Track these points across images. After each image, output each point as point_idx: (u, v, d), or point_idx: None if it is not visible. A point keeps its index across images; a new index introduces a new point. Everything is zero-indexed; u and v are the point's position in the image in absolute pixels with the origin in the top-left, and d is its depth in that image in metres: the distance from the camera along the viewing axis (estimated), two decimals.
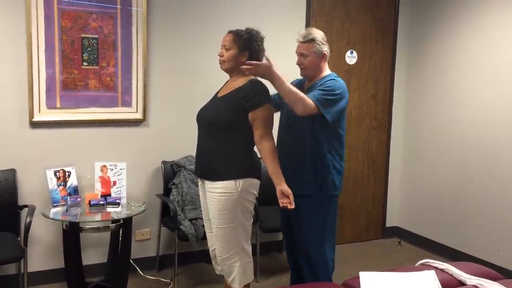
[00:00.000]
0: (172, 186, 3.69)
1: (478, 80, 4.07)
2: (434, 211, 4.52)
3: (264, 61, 2.64)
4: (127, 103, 3.67)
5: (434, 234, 4.52)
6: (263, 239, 3.94)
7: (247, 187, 2.66)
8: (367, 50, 4.59)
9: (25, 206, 3.32)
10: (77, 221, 3.14)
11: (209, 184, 2.71)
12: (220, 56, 2.72)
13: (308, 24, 4.26)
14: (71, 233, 3.18)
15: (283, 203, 2.59)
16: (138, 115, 3.71)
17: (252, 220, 2.79)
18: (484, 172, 4.04)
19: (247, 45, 2.65)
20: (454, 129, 4.29)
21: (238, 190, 2.63)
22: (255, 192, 2.74)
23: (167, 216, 3.66)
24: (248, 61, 2.63)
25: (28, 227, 3.05)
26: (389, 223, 4.93)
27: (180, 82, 3.82)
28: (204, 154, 2.76)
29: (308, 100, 2.68)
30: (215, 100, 2.82)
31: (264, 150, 2.63)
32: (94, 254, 3.65)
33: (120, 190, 3.53)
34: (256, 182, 2.73)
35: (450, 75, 4.33)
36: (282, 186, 2.60)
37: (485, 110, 4.02)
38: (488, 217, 4.02)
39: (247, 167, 2.69)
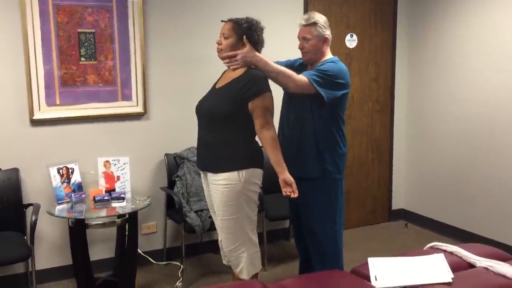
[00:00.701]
0: (176, 179, 3.68)
1: (481, 59, 4.02)
2: (440, 192, 4.50)
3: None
4: (127, 97, 3.64)
5: (441, 215, 4.50)
6: (269, 227, 3.93)
7: (250, 178, 2.64)
8: (367, 34, 4.53)
9: (30, 204, 3.32)
10: (82, 217, 3.13)
11: (211, 177, 2.69)
12: (218, 44, 2.69)
13: (306, 9, 4.20)
14: (77, 230, 3.16)
15: (286, 192, 2.58)
16: (139, 109, 3.68)
17: (257, 210, 2.78)
18: (489, 151, 4.01)
19: (246, 34, 2.61)
20: (458, 109, 4.25)
21: (242, 181, 2.61)
22: (259, 182, 2.72)
23: (173, 208, 3.65)
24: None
25: (34, 225, 3.05)
26: (395, 205, 4.91)
27: (180, 73, 3.79)
28: (205, 146, 2.74)
29: (300, 76, 2.66)
30: (214, 91, 2.79)
31: (264, 140, 2.61)
32: (101, 250, 3.66)
33: (124, 185, 3.51)
34: (259, 172, 2.71)
35: (452, 55, 4.28)
36: (284, 175, 2.59)
37: (488, 89, 3.98)
38: (495, 196, 4.00)
39: (249, 157, 2.67)
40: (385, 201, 4.86)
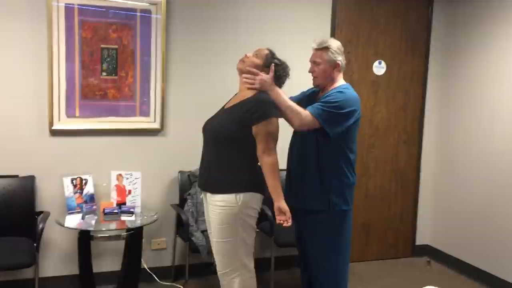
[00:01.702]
0: (187, 197, 3.68)
1: None
2: (468, 231, 4.26)
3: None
4: (145, 113, 3.70)
5: (467, 255, 4.25)
6: (278, 253, 3.84)
7: (248, 202, 2.60)
8: (396, 61, 4.42)
9: (42, 212, 3.40)
10: (86, 229, 3.17)
11: (210, 197, 2.67)
12: (246, 57, 2.71)
13: (333, 35, 4.15)
14: (82, 241, 3.21)
15: (279, 220, 2.54)
16: (156, 125, 3.73)
17: (254, 235, 2.72)
18: None
19: (275, 65, 2.68)
20: (490, 145, 4.03)
21: (239, 204, 2.57)
22: (257, 207, 2.67)
23: (182, 226, 3.64)
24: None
25: (40, 233, 3.11)
26: (420, 241, 4.70)
27: (199, 92, 3.82)
28: (206, 166, 2.73)
29: (305, 113, 2.63)
30: (221, 112, 2.79)
31: (264, 165, 2.57)
32: (109, 262, 3.69)
33: (135, 199, 3.55)
34: (258, 197, 2.65)
35: (486, 89, 4.08)
36: (279, 203, 2.55)
37: None
38: None
39: (249, 181, 2.62)
40: (408, 235, 4.66)
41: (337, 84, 2.78)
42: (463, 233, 4.31)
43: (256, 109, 2.56)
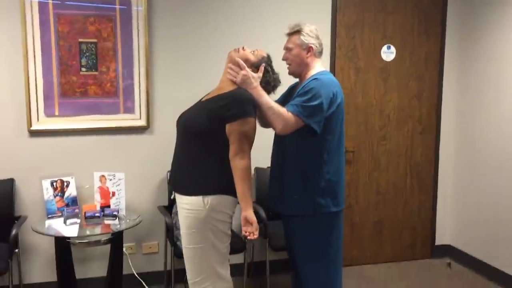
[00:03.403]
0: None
1: None
2: (493, 229, 3.83)
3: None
4: (129, 110, 3.48)
5: (492, 258, 3.83)
6: (274, 257, 3.56)
7: (217, 205, 2.34)
8: (408, 45, 4.02)
9: (20, 217, 3.26)
10: (60, 235, 2.98)
11: (178, 198, 2.44)
12: (242, 48, 2.49)
13: (334, 19, 3.81)
14: (60, 247, 3.04)
15: (245, 231, 2.31)
16: (142, 122, 3.51)
17: (228, 242, 2.45)
18: None
19: (266, 69, 2.46)
20: None
21: (206, 208, 2.32)
22: (229, 212, 2.40)
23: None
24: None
25: (14, 239, 2.96)
26: (440, 240, 4.30)
27: (187, 86, 3.57)
28: (176, 164, 2.50)
29: (288, 114, 2.37)
30: (198, 104, 2.54)
31: (235, 168, 2.31)
32: (96, 267, 3.52)
33: (119, 201, 3.35)
34: (230, 200, 2.38)
35: (510, 71, 3.64)
36: (246, 212, 2.31)
37: None
38: None
39: (220, 182, 2.36)
40: (426, 235, 4.27)
41: (313, 71, 2.51)
42: (487, 231, 3.88)
43: (232, 106, 2.30)
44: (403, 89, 4.06)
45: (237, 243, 3.16)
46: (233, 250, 3.34)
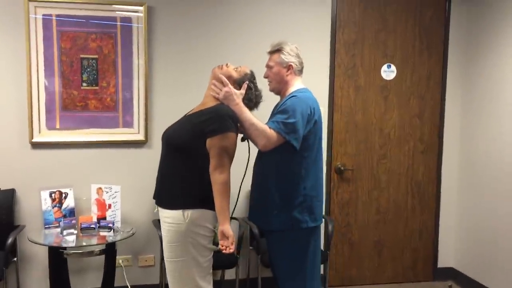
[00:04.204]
0: None
1: None
2: (497, 252, 3.73)
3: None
4: (128, 124, 3.56)
5: (497, 282, 3.73)
6: (266, 274, 3.53)
7: (197, 219, 2.36)
8: (409, 63, 4.01)
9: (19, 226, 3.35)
10: (52, 245, 3.05)
11: (160, 212, 2.47)
12: (225, 65, 2.55)
13: (334, 38, 3.84)
14: (53, 257, 3.11)
15: (221, 245, 2.32)
16: (140, 136, 3.58)
17: (210, 256, 2.47)
18: None
19: (249, 86, 2.51)
20: None
21: (186, 221, 2.35)
22: (210, 226, 2.42)
23: None
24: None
25: (9, 248, 3.04)
26: (442, 263, 4.21)
27: (184, 101, 3.56)
28: (159, 177, 2.54)
29: (270, 131, 2.41)
30: (182, 119, 2.59)
31: (214, 183, 2.34)
32: (92, 278, 3.57)
33: (115, 214, 3.41)
34: (210, 214, 2.40)
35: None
36: (223, 227, 2.32)
37: None
38: None
39: (200, 196, 2.38)
40: (428, 256, 4.19)
41: (292, 89, 2.57)
42: (491, 255, 3.79)
43: (213, 121, 2.35)
44: (404, 108, 4.04)
45: (229, 258, 3.17)
46: (223, 266, 3.40)
